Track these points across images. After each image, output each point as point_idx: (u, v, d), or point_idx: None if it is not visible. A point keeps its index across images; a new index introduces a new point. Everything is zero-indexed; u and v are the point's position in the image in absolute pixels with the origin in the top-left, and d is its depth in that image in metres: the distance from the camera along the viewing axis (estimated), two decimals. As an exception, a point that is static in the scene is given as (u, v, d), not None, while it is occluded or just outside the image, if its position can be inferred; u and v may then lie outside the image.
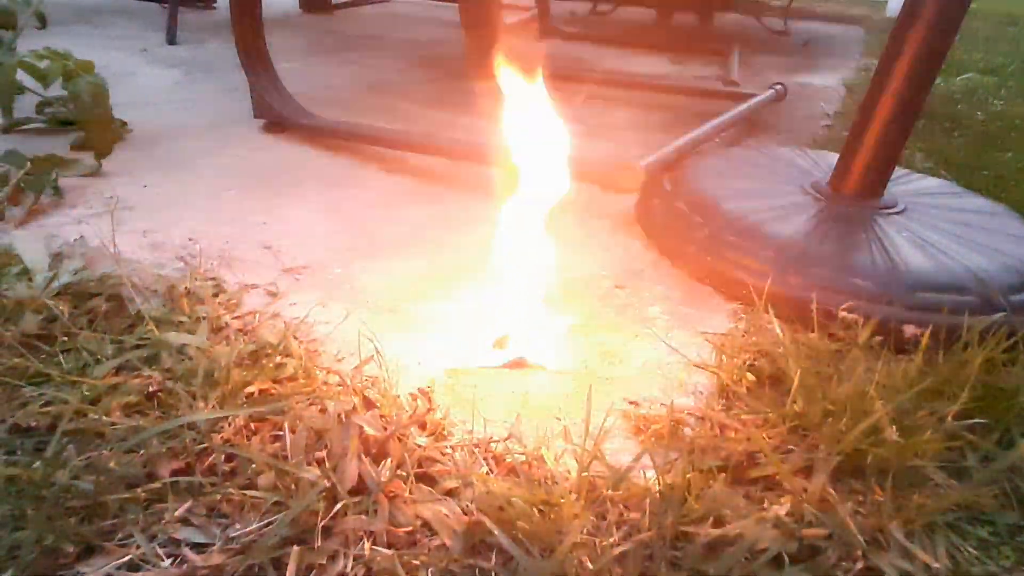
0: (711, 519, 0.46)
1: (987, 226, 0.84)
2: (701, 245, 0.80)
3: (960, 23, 0.78)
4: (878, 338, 0.66)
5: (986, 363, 0.59)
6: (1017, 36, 2.71)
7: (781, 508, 0.46)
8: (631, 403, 0.59)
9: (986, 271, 0.72)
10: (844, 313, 0.68)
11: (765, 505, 0.47)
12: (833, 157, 0.99)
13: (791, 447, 0.53)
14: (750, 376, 0.60)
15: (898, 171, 0.91)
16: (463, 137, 1.07)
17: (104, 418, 0.51)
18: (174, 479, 0.47)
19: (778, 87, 1.46)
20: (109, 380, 0.56)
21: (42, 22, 1.73)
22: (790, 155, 1.03)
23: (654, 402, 0.59)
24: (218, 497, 0.46)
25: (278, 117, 1.20)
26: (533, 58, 0.64)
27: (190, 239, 0.82)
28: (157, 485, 0.46)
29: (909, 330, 0.68)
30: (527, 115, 0.70)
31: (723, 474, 0.49)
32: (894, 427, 0.50)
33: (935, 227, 0.81)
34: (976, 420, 0.53)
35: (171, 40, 1.88)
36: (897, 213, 0.84)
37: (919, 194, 0.91)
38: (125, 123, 1.15)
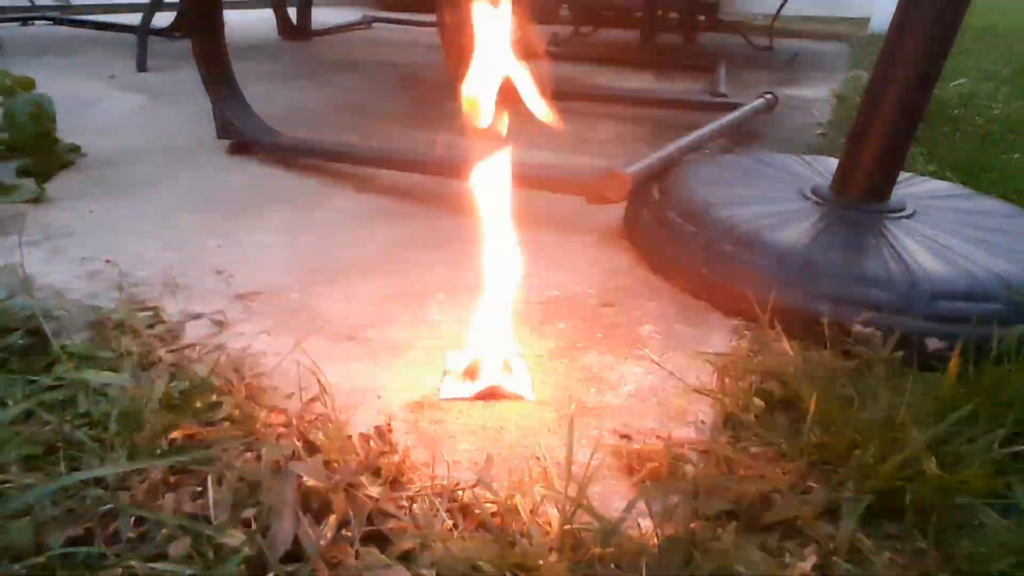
0: (722, 579, 0.37)
1: (1005, 228, 0.77)
2: (695, 257, 0.73)
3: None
4: (898, 353, 0.59)
5: (1027, 379, 0.51)
6: (1005, 45, 2.69)
7: (806, 562, 0.38)
8: (622, 436, 0.51)
9: (1012, 276, 0.65)
10: (859, 327, 0.60)
11: (786, 559, 0.39)
12: (830, 161, 0.92)
13: (811, 484, 0.45)
14: (758, 401, 0.53)
15: (903, 174, 0.85)
16: (435, 152, 1.01)
17: (-5, 475, 0.43)
18: (68, 549, 0.38)
19: (768, 96, 1.41)
20: (14, 428, 0.48)
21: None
22: (784, 160, 0.96)
23: (649, 434, 0.51)
24: (119, 571, 0.37)
25: (241, 136, 1.14)
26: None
27: (106, 260, 0.74)
28: (43, 559, 0.37)
29: (932, 343, 0.61)
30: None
31: (734, 521, 0.41)
32: (933, 459, 0.42)
33: (950, 230, 0.74)
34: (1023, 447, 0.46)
35: (141, 67, 1.83)
36: (907, 217, 0.77)
37: (927, 196, 0.84)
38: (78, 147, 1.08)
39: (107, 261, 0.72)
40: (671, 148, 0.96)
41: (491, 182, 0.55)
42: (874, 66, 0.77)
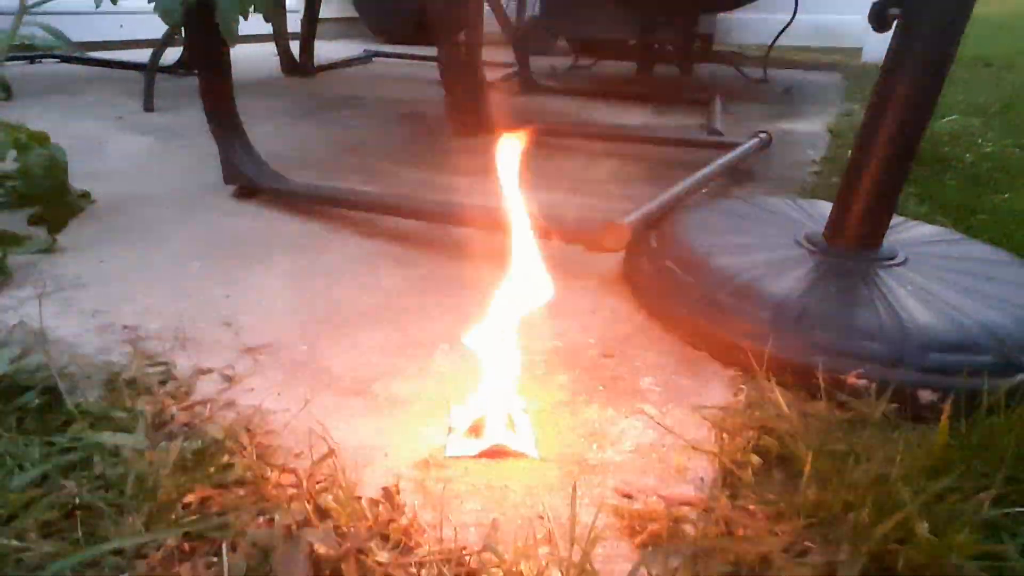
0: (722, 646, 0.39)
1: (994, 275, 0.79)
2: (693, 307, 0.75)
3: (956, 47, 0.74)
4: (892, 405, 0.60)
5: (1017, 435, 0.53)
6: (995, 77, 2.74)
7: (803, 627, 0.40)
8: (624, 495, 0.52)
9: (1001, 327, 0.66)
10: (855, 380, 0.62)
11: (784, 624, 0.41)
12: (824, 206, 0.95)
13: (808, 544, 0.47)
14: (755, 458, 0.54)
15: (894, 218, 0.87)
16: (438, 198, 1.03)
17: (14, 542, 0.44)
18: (87, 620, 0.40)
19: (763, 135, 1.44)
20: (32, 492, 0.49)
21: (6, 92, 1.71)
22: (780, 205, 0.99)
23: (650, 493, 0.52)
24: (137, 642, 0.39)
25: (248, 182, 1.16)
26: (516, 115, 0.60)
27: (124, 327, 0.76)
28: (64, 631, 0.39)
29: (925, 396, 0.62)
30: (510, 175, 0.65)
31: (733, 585, 0.43)
32: (925, 522, 0.44)
33: (940, 279, 0.76)
34: (1018, 508, 0.47)
35: (148, 107, 1.86)
36: (898, 264, 0.79)
37: (919, 243, 0.87)
38: (88, 194, 1.11)
39: (125, 328, 0.73)
40: (669, 194, 0.99)
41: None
42: (864, 114, 0.79)
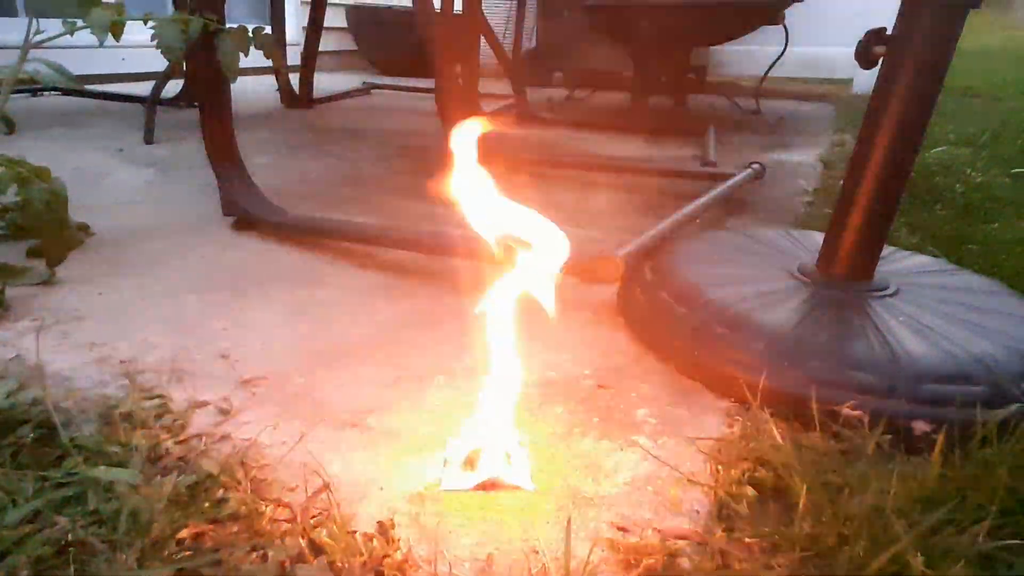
0: None
1: (985, 306, 0.80)
2: (688, 338, 0.75)
3: (940, 83, 0.75)
4: (886, 436, 0.61)
5: (1012, 466, 0.53)
6: (983, 107, 2.78)
7: (800, 664, 0.39)
8: (619, 529, 0.52)
9: (993, 357, 0.67)
10: (848, 411, 0.62)
11: (780, 661, 0.40)
12: (817, 237, 0.96)
13: (804, 578, 0.47)
14: (750, 491, 0.54)
15: (886, 249, 0.88)
16: (435, 229, 1.04)
17: (7, 580, 0.44)
18: (78, 660, 0.39)
19: (756, 166, 1.46)
20: (24, 529, 0.49)
21: (9, 127, 1.73)
22: (773, 236, 1.00)
23: (645, 526, 0.52)
24: None
25: (247, 215, 1.17)
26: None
27: (122, 361, 0.76)
28: (55, 671, 0.38)
29: (919, 427, 0.62)
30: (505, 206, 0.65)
31: (729, 620, 0.43)
32: (920, 555, 0.44)
33: (932, 309, 0.77)
34: (1012, 541, 0.47)
35: (148, 139, 1.88)
36: (890, 295, 0.80)
37: (910, 273, 0.88)
38: (87, 226, 1.12)
39: (122, 362, 0.74)
40: (663, 225, 1.00)
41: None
42: (855, 146, 0.80)
